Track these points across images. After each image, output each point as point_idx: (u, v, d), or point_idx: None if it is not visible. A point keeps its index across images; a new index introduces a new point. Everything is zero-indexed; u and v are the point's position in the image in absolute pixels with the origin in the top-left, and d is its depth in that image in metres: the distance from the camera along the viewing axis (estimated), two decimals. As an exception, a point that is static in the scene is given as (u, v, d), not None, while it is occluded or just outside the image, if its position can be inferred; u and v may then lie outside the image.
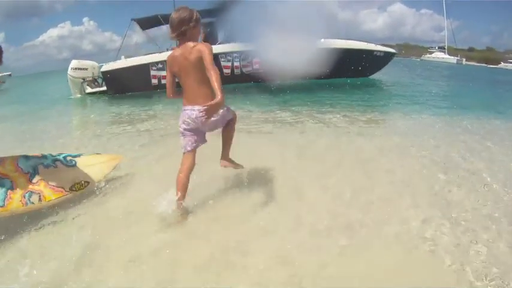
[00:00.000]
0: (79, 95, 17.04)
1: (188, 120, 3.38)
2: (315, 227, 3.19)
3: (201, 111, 2.98)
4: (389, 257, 2.77)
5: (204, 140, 3.58)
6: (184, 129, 3.44)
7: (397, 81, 19.21)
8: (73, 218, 3.48)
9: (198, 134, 3.49)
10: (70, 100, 16.49)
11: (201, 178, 3.83)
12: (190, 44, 3.25)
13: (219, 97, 2.87)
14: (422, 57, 73.91)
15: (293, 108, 9.61)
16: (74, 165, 3.95)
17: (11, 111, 13.28)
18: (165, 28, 17.60)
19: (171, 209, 3.29)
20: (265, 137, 6.81)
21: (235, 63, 15.90)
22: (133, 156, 5.47)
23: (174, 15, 3.28)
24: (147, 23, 17.42)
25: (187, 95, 3.39)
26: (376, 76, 18.47)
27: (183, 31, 3.28)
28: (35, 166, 3.63)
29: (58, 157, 3.88)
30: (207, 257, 2.81)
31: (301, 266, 2.66)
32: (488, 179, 4.30)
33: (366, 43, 16.96)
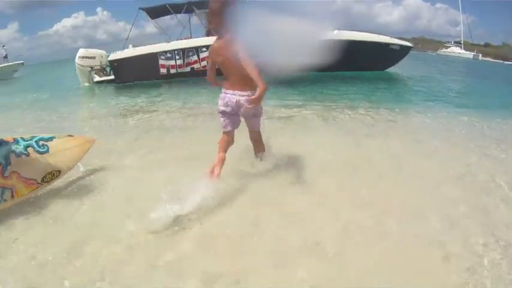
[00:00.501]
0: (87, 84, 16.82)
1: (229, 102, 3.57)
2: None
3: (246, 99, 3.43)
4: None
5: (239, 123, 3.78)
6: (223, 111, 3.64)
7: (417, 76, 18.45)
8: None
9: (235, 116, 3.68)
10: (78, 89, 16.21)
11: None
12: (228, 36, 3.33)
13: (262, 87, 3.18)
14: (438, 52, 72.59)
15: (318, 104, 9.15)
16: (47, 151, 3.62)
17: (18, 99, 13.16)
18: (172, 17, 17.39)
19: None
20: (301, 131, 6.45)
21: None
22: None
23: (215, 5, 3.37)
24: (155, 12, 17.11)
25: (230, 80, 3.56)
26: (392, 70, 17.86)
27: (222, 20, 3.34)
28: (6, 155, 3.28)
29: (30, 142, 3.55)
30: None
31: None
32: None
33: (381, 36, 16.36)
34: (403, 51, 17.12)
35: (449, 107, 9.42)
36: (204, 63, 15.33)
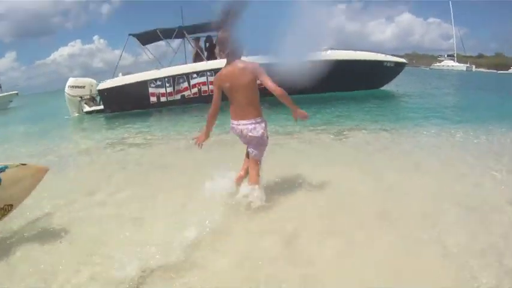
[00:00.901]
0: (77, 114, 16.44)
1: (236, 132, 3.83)
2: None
3: (249, 128, 3.73)
4: None
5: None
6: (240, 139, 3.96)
7: (412, 92, 18.12)
8: None
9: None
10: (68, 120, 15.88)
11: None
12: (239, 63, 3.62)
13: (299, 110, 3.74)
14: (432, 66, 72.56)
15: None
16: None
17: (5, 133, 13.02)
18: (163, 43, 17.02)
19: None
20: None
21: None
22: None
23: (223, 35, 3.68)
24: (146, 38, 16.63)
25: (235, 109, 3.77)
26: (386, 87, 17.50)
27: (232, 50, 3.63)
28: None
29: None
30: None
31: None
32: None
33: (375, 53, 15.96)
34: (398, 68, 16.73)
35: (446, 123, 9.10)
36: (194, 90, 14.97)
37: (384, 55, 16.20)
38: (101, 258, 3.03)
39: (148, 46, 17.10)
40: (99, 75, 17.07)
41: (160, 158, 7.27)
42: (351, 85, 15.10)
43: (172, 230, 3.36)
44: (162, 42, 17.09)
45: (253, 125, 3.72)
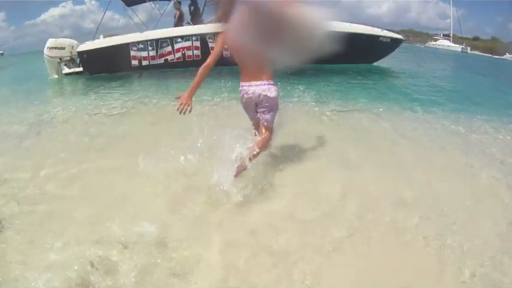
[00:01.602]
0: (56, 76, 15.55)
1: (245, 95, 3.56)
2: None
3: (263, 89, 3.48)
4: None
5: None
6: (243, 106, 3.75)
7: (406, 70, 17.30)
8: None
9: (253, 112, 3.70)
10: (46, 82, 14.94)
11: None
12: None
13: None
14: (427, 44, 71.64)
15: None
16: None
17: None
18: (148, 5, 16.06)
19: None
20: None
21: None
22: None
23: None
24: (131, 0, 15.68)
25: (247, 73, 3.51)
26: (379, 63, 16.86)
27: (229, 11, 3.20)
28: None
29: None
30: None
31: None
32: None
33: (371, 27, 15.21)
34: (394, 44, 16.02)
35: (440, 111, 8.12)
36: (178, 54, 14.21)
37: (380, 29, 15.46)
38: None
39: (140, 8, 16.28)
40: (89, 36, 16.14)
41: (132, 127, 6.58)
42: (344, 58, 14.23)
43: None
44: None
45: (266, 86, 3.48)
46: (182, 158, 3.69)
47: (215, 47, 3.61)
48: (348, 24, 14.41)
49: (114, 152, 4.92)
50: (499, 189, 3.83)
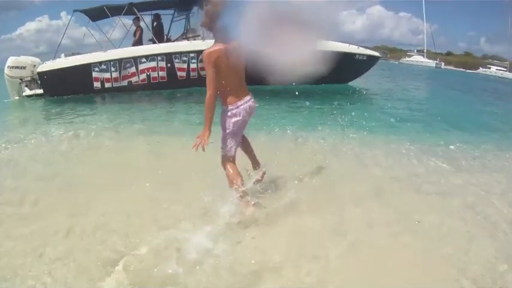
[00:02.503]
0: (17, 98, 14.59)
1: (244, 114, 3.45)
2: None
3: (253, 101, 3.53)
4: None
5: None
6: (236, 131, 3.50)
7: (380, 90, 16.83)
8: None
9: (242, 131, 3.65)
10: (5, 104, 13.99)
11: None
12: (233, 41, 3.18)
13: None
14: (401, 60, 72.16)
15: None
16: None
17: None
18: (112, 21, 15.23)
19: None
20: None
21: (192, 65, 13.50)
22: None
23: (215, 7, 3.20)
24: (95, 15, 14.78)
25: (235, 90, 3.43)
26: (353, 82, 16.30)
27: (224, 26, 3.13)
28: None
29: None
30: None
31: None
32: None
33: (347, 45, 14.60)
34: (370, 62, 15.44)
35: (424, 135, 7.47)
36: (143, 76, 13.37)
37: (356, 47, 14.88)
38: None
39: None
40: (64, 51, 15.18)
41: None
42: (317, 78, 13.61)
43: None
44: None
45: (252, 98, 3.55)
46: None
47: (208, 72, 3.28)
48: (322, 41, 13.84)
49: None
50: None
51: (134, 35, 14.72)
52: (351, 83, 16.17)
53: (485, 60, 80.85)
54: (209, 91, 3.27)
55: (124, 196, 3.93)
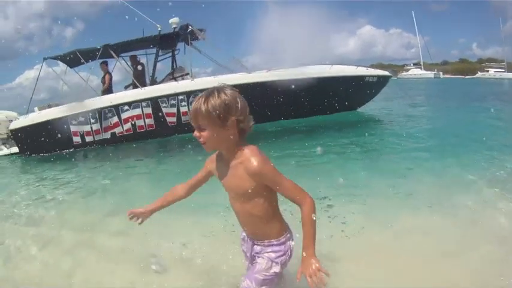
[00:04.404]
0: (-6, 157, 12.98)
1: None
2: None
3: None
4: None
5: None
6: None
7: (387, 113, 15.17)
8: None
9: None
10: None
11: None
12: (239, 153, 2.08)
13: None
14: (399, 76, 71.09)
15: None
16: None
17: None
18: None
19: None
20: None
21: (182, 109, 11.80)
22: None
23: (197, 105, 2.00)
24: (71, 61, 13.20)
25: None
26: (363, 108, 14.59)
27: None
28: None
29: None
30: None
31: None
32: None
33: (354, 67, 13.01)
34: (381, 82, 13.70)
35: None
36: (127, 125, 11.70)
37: (364, 68, 13.29)
38: None
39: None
40: (65, 98, 13.82)
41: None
42: (324, 108, 12.22)
43: None
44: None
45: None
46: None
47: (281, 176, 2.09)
48: (327, 67, 12.25)
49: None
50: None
51: (102, 81, 13.16)
52: (360, 109, 14.43)
53: (482, 64, 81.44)
54: (307, 194, 2.09)
55: None
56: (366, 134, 10.24)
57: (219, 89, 1.98)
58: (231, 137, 2.01)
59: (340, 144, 8.76)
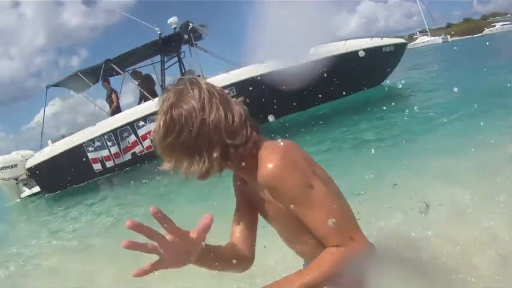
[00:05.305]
0: (18, 200, 13.00)
1: None
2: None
3: None
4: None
5: None
6: None
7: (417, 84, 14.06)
8: None
9: None
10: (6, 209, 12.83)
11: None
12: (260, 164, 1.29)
13: None
14: (408, 46, 71.27)
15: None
16: None
17: None
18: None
19: None
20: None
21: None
22: None
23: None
24: (73, 85, 12.85)
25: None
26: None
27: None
28: None
29: None
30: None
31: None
32: None
33: (368, 39, 12.24)
34: (399, 51, 12.95)
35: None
36: (146, 142, 11.04)
37: (379, 38, 12.41)
38: None
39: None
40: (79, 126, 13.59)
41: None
42: (348, 87, 11.24)
43: None
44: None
45: None
46: None
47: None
48: (341, 43, 11.42)
49: None
50: None
51: (108, 101, 12.62)
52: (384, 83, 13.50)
53: (487, 20, 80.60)
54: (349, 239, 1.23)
55: None
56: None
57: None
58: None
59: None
